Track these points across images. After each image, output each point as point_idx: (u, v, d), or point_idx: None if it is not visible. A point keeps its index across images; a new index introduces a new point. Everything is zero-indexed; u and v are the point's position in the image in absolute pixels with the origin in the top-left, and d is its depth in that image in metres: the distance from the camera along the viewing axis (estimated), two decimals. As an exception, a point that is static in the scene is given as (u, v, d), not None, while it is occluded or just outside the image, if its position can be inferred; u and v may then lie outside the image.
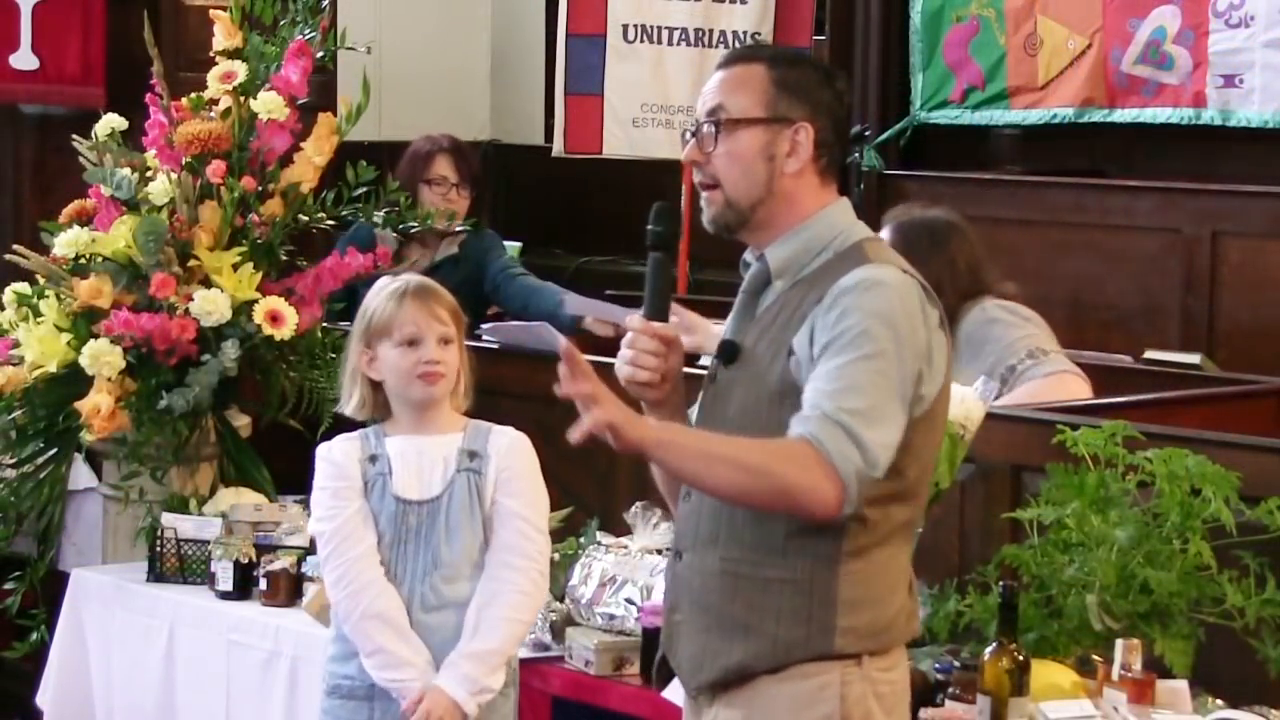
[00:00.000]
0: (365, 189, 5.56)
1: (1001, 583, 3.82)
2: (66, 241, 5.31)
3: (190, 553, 5.10)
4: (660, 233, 3.29)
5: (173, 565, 5.11)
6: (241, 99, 5.42)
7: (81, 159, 5.46)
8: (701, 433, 3.17)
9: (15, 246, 5.40)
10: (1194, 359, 6.14)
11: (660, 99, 7.27)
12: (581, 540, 4.64)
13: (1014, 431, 4.61)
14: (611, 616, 4.37)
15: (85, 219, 5.41)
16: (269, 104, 5.37)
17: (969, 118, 8.27)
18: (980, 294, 5.29)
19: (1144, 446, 4.15)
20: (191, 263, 5.28)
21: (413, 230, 5.81)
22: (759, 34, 7.04)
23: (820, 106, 3.26)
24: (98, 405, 5.14)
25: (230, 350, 5.22)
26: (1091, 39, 7.79)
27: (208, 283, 5.27)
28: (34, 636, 5.41)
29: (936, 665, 3.96)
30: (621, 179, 8.64)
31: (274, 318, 5.24)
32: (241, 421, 5.54)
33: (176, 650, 4.97)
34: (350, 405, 4.08)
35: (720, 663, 3.21)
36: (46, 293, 5.30)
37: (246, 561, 4.94)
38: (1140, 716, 3.72)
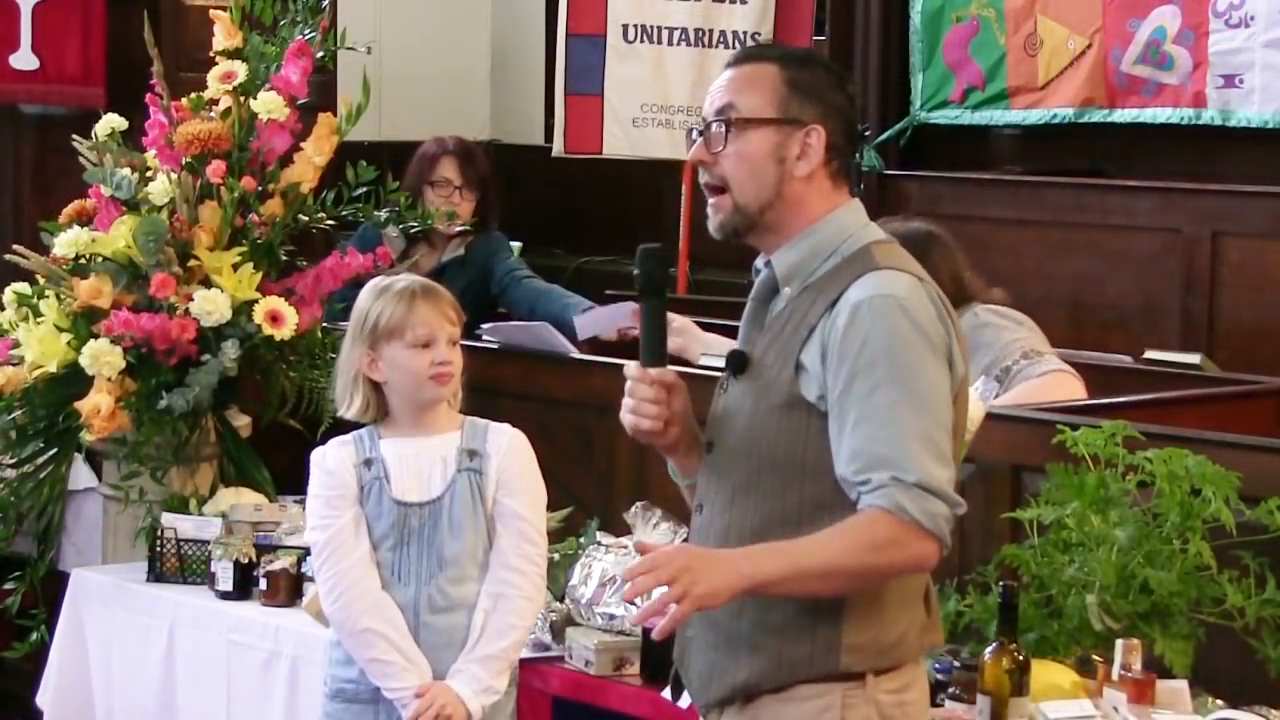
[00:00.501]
0: (365, 189, 5.56)
1: (1001, 583, 3.82)
2: (66, 241, 5.31)
3: (190, 553, 5.10)
4: (648, 276, 3.21)
5: (173, 565, 5.11)
6: (241, 99, 5.41)
7: (81, 159, 5.46)
8: (785, 549, 3.03)
9: (15, 246, 5.40)
10: (1194, 359, 6.13)
11: (660, 99, 7.27)
12: (581, 540, 4.64)
13: (1014, 431, 4.60)
14: (611, 616, 4.37)
15: (85, 219, 5.41)
16: (269, 104, 5.37)
17: (969, 118, 8.28)
18: (967, 301, 5.29)
19: (1144, 446, 4.15)
20: (191, 263, 5.28)
21: (418, 231, 5.80)
22: (759, 34, 7.04)
23: (832, 109, 3.19)
24: (98, 405, 5.14)
25: (230, 350, 5.22)
26: (1091, 39, 7.79)
27: (208, 283, 5.26)
28: (34, 636, 5.40)
29: (936, 665, 3.95)
30: (621, 179, 8.65)
31: (274, 318, 5.23)
32: (241, 421, 5.54)
33: (176, 650, 4.97)
34: (353, 409, 4.05)
35: (727, 680, 3.17)
36: (46, 293, 5.30)
37: (246, 561, 4.94)
38: (1140, 716, 3.72)
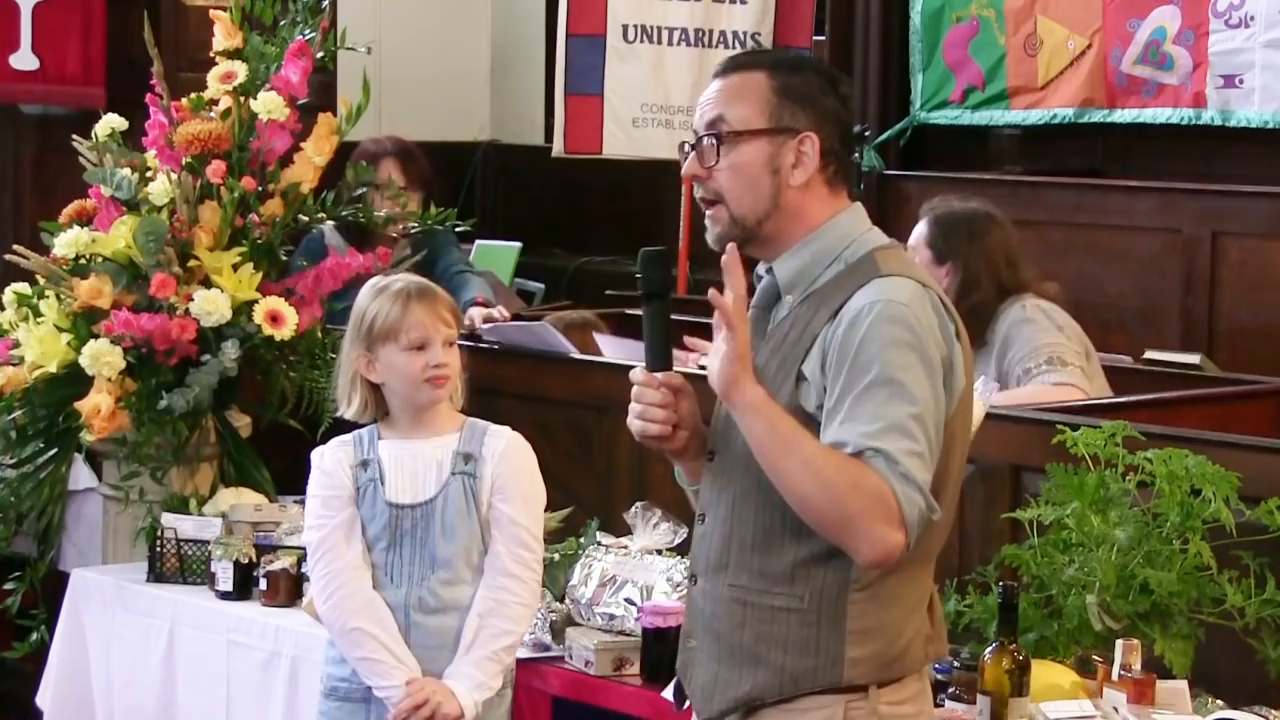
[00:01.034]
0: (365, 189, 5.56)
1: (1001, 583, 3.82)
2: (66, 241, 5.31)
3: (190, 553, 5.10)
4: (652, 280, 3.17)
5: (173, 565, 5.11)
6: (241, 99, 5.41)
7: (81, 159, 5.46)
8: (797, 425, 2.99)
9: (15, 246, 5.39)
10: (1194, 359, 6.14)
11: (660, 99, 7.27)
12: (581, 540, 4.64)
13: (1014, 431, 4.61)
14: (611, 616, 4.37)
15: (85, 219, 5.41)
16: (269, 104, 5.37)
17: (969, 118, 8.28)
18: (1020, 290, 5.31)
19: (1144, 447, 4.15)
20: (191, 263, 5.28)
21: (361, 233, 5.76)
22: (759, 34, 7.04)
23: (825, 114, 3.15)
24: (98, 405, 5.14)
25: (230, 350, 5.22)
26: (1091, 39, 7.79)
27: (208, 283, 5.26)
28: (34, 636, 5.40)
29: (936, 665, 3.95)
30: (621, 179, 8.66)
31: (274, 318, 5.23)
32: (241, 421, 5.53)
33: (176, 650, 4.97)
34: (352, 409, 4.05)
35: (730, 694, 3.15)
36: (46, 293, 5.30)
37: (246, 562, 4.93)
38: (1140, 716, 3.72)
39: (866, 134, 8.43)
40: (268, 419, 5.49)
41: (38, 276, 5.35)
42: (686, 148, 3.20)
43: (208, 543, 5.03)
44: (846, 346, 3.02)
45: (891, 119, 8.50)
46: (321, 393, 5.27)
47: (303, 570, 4.79)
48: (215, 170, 5.30)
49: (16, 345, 5.31)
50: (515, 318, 6.11)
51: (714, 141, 3.14)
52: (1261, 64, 7.31)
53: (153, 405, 5.22)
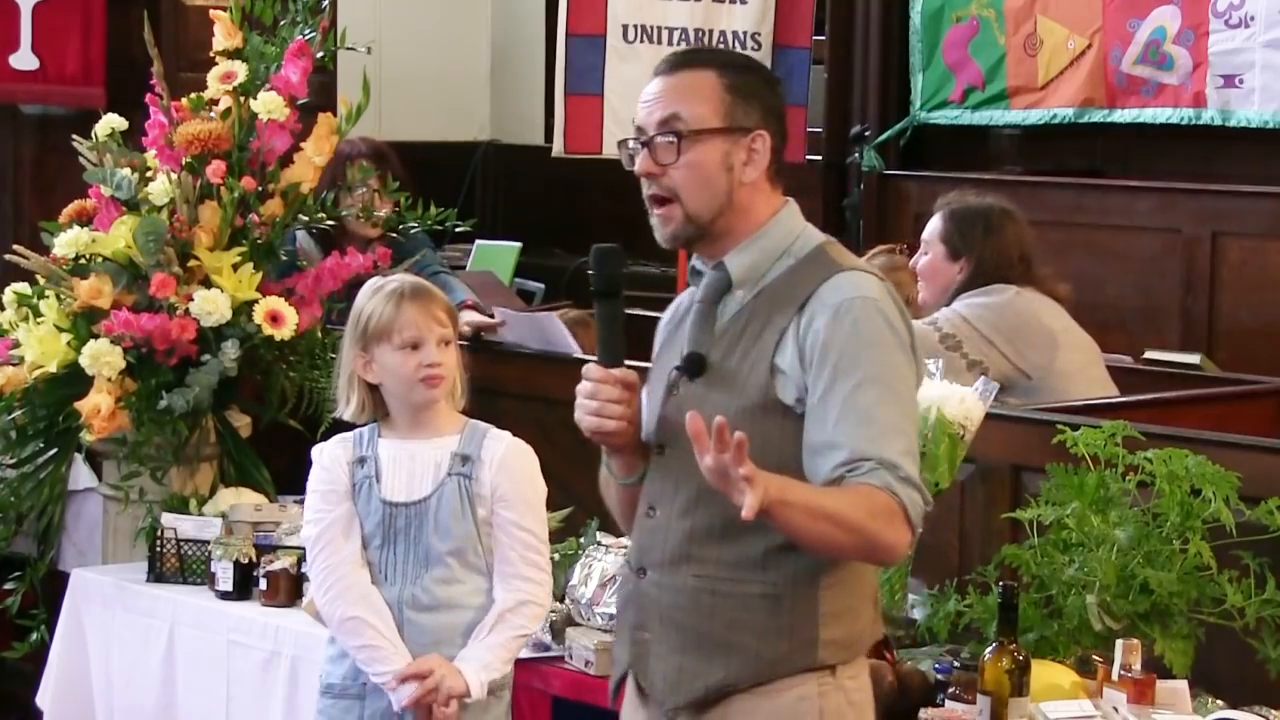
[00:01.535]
0: (364, 189, 5.56)
1: (1001, 583, 3.82)
2: (66, 241, 5.31)
3: (190, 553, 5.10)
4: (606, 277, 3.20)
5: (173, 565, 5.11)
6: (241, 99, 5.41)
7: (81, 159, 5.46)
8: (803, 486, 3.02)
9: (15, 246, 5.39)
10: (1194, 359, 6.15)
11: (660, 99, 7.25)
12: (581, 540, 4.64)
13: (1014, 431, 4.61)
14: (611, 616, 4.36)
15: (85, 219, 5.41)
16: (269, 104, 5.37)
17: (969, 118, 8.28)
18: (1031, 284, 5.33)
19: (1144, 446, 4.15)
20: (191, 263, 5.28)
21: (331, 237, 5.74)
22: (759, 34, 7.03)
23: (770, 111, 3.20)
24: (98, 405, 5.14)
25: (230, 350, 5.22)
26: (1091, 39, 7.80)
27: (208, 283, 5.26)
28: (34, 636, 5.40)
29: (936, 665, 3.95)
30: (621, 179, 8.63)
31: (274, 318, 5.23)
32: (241, 421, 5.53)
33: (176, 650, 4.97)
34: (350, 410, 4.06)
35: (701, 682, 3.17)
36: (46, 293, 5.30)
37: (246, 561, 4.93)
38: (1140, 716, 3.72)
39: (866, 134, 8.44)
40: (268, 419, 5.49)
41: (38, 276, 5.35)
42: (631, 144, 3.22)
43: (208, 543, 5.03)
44: (830, 343, 3.07)
45: (891, 119, 8.51)
46: (321, 393, 5.27)
47: (303, 570, 4.79)
48: (215, 170, 5.30)
49: (16, 345, 5.31)
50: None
51: (674, 140, 3.16)
52: (1261, 64, 7.32)
53: (153, 405, 5.22)
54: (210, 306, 5.19)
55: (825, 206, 8.62)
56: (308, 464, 4.12)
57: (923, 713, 3.83)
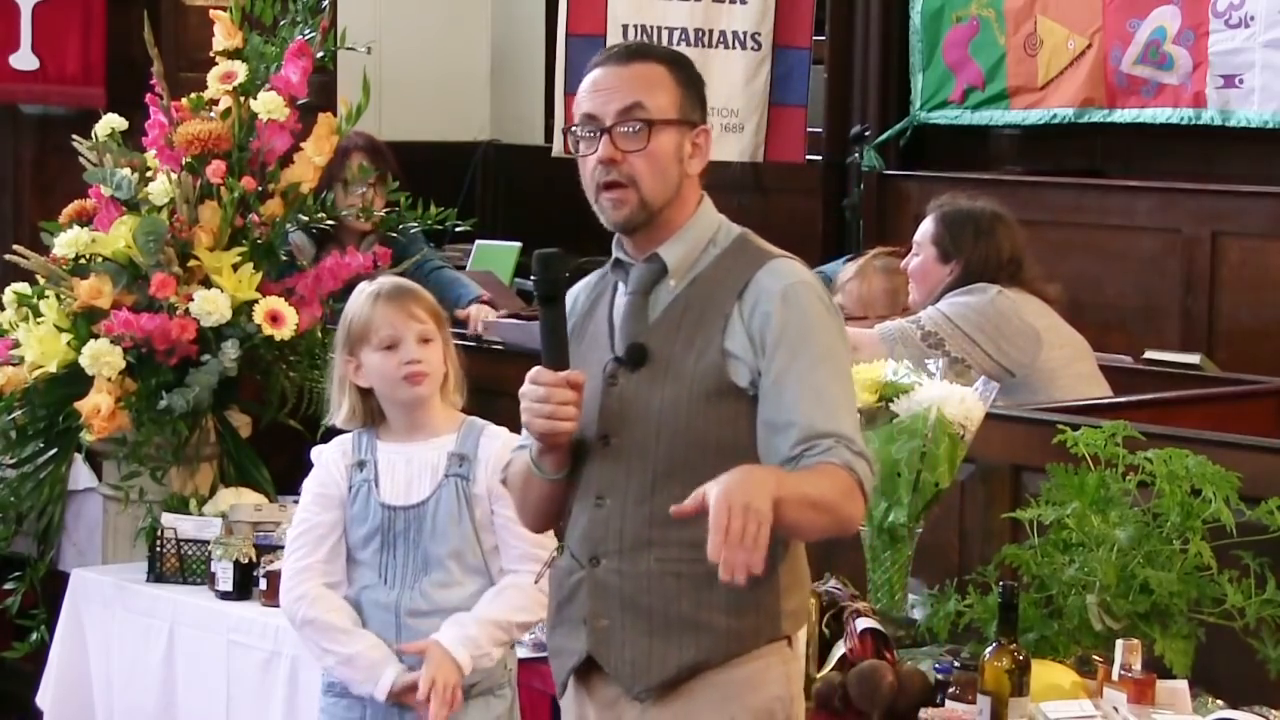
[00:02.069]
0: (363, 189, 5.56)
1: (1001, 583, 3.82)
2: (66, 241, 5.31)
3: (190, 553, 5.10)
4: (551, 281, 3.26)
5: (173, 565, 5.11)
6: (241, 99, 5.41)
7: (81, 159, 5.46)
8: (789, 474, 3.12)
9: (15, 246, 5.39)
10: (1194, 359, 6.14)
11: (660, 99, 7.25)
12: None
13: (1014, 431, 4.61)
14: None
15: (85, 219, 5.41)
16: (269, 104, 5.37)
17: (969, 118, 8.28)
18: (1019, 285, 5.34)
19: (1144, 446, 4.15)
20: (191, 263, 5.28)
21: (324, 232, 5.74)
22: (759, 34, 7.04)
23: (705, 105, 3.33)
24: (98, 405, 5.14)
25: (230, 350, 5.22)
26: (1091, 39, 7.80)
27: (208, 283, 5.26)
28: (34, 636, 5.40)
29: (936, 665, 3.95)
30: (621, 179, 8.65)
31: (274, 318, 5.23)
32: (241, 421, 5.53)
33: (176, 650, 4.97)
34: (340, 416, 4.08)
35: (673, 662, 3.23)
36: (46, 293, 5.30)
37: (246, 561, 4.93)
38: (1140, 716, 3.72)
39: (866, 134, 8.44)
40: (268, 419, 5.49)
41: (38, 276, 5.35)
42: (583, 131, 3.27)
43: (208, 543, 5.03)
44: (783, 326, 3.20)
45: (891, 119, 8.50)
46: (321, 392, 5.26)
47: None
48: (215, 170, 5.30)
49: (16, 345, 5.31)
50: (515, 318, 6.11)
51: (641, 128, 3.24)
52: (1261, 64, 7.31)
53: (153, 405, 5.22)
54: (210, 306, 5.19)
55: (825, 206, 8.62)
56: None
57: (923, 713, 3.83)
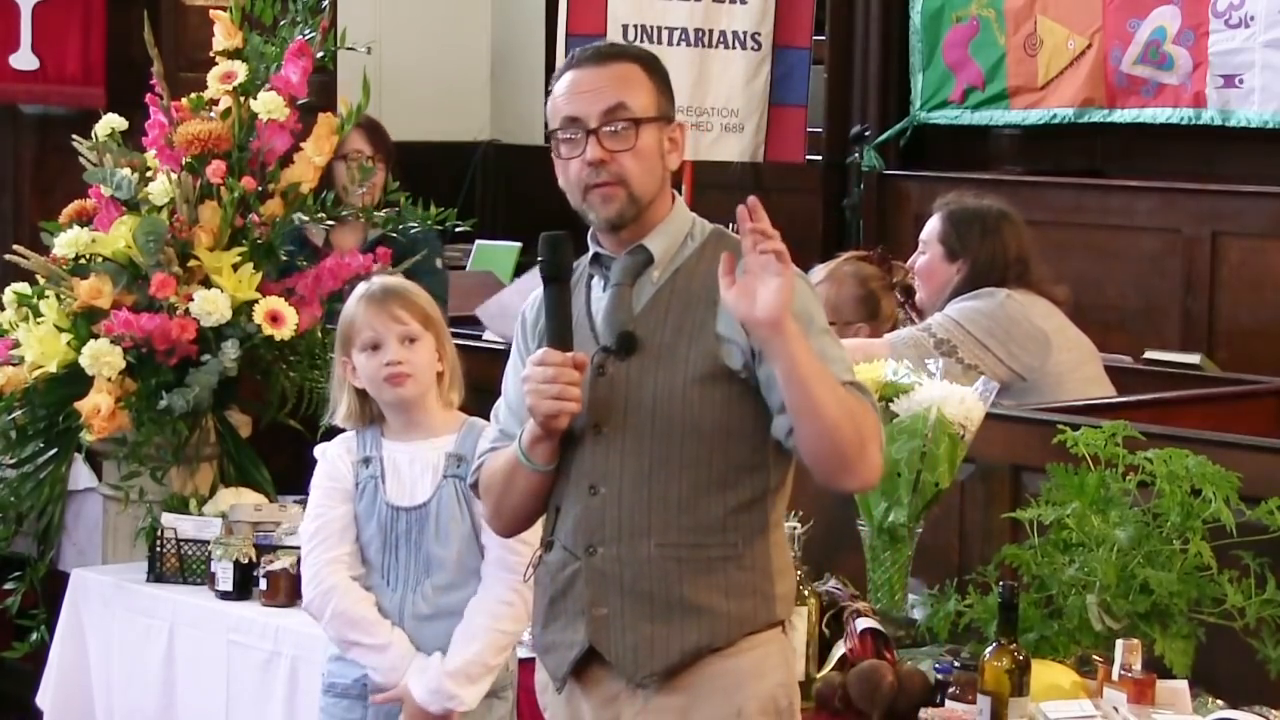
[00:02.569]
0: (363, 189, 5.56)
1: (1001, 583, 3.83)
2: (66, 241, 5.31)
3: (190, 553, 5.10)
4: (555, 263, 3.29)
5: (173, 565, 5.11)
6: (241, 99, 5.41)
7: (81, 159, 5.46)
8: (816, 354, 3.16)
9: (15, 246, 5.39)
10: (1194, 359, 6.15)
11: (660, 99, 7.25)
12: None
13: (1014, 431, 4.61)
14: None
15: (85, 219, 5.41)
16: (269, 104, 5.37)
17: (969, 118, 8.29)
18: (1027, 287, 5.34)
19: (1144, 446, 4.15)
20: (191, 263, 5.28)
21: (344, 216, 5.73)
22: (759, 34, 7.03)
23: (674, 104, 3.37)
24: (98, 405, 5.14)
25: (230, 350, 5.22)
26: (1091, 39, 7.80)
27: (208, 283, 5.26)
28: (34, 636, 5.40)
29: (936, 665, 3.95)
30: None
31: (274, 318, 5.23)
32: (241, 421, 5.53)
33: (176, 650, 4.97)
34: (339, 415, 4.10)
35: (675, 646, 3.24)
36: (46, 293, 5.30)
37: (246, 561, 4.93)
38: (1140, 716, 3.72)
39: (866, 134, 8.44)
40: (268, 419, 5.48)
41: (38, 276, 5.35)
42: (568, 134, 3.32)
43: (208, 543, 5.03)
44: None
45: (891, 119, 8.51)
46: (321, 392, 5.27)
47: (302, 569, 4.79)
48: (215, 170, 5.30)
49: (16, 345, 5.31)
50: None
51: (629, 127, 3.28)
52: (1261, 64, 7.32)
53: (153, 405, 5.22)
54: (210, 306, 5.19)
55: (825, 206, 8.63)
56: (308, 464, 4.13)
57: (923, 713, 3.83)
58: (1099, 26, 7.78)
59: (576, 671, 3.35)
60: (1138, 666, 3.78)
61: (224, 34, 5.52)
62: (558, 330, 3.25)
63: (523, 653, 4.22)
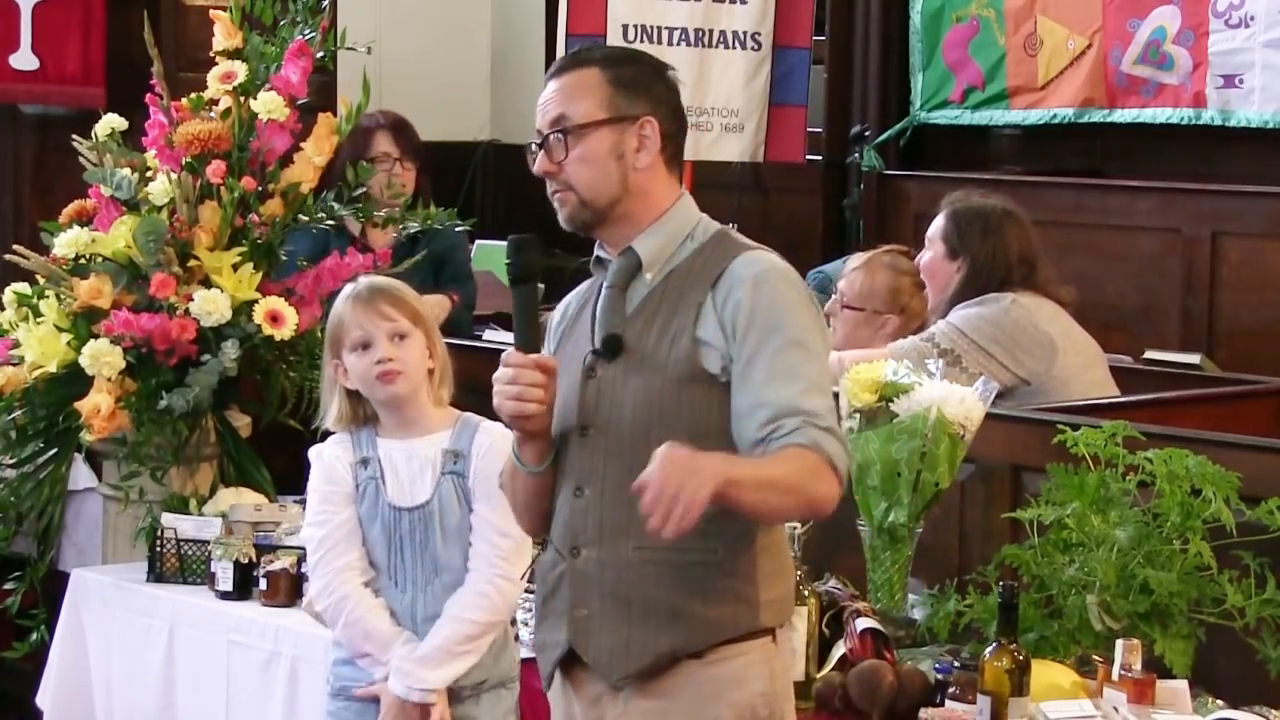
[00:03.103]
0: (364, 189, 5.55)
1: (1001, 583, 3.82)
2: (66, 241, 5.31)
3: (190, 553, 5.10)
4: (523, 265, 3.34)
5: (173, 565, 5.11)
6: (241, 99, 5.41)
7: (81, 159, 5.46)
8: (743, 461, 3.17)
9: (15, 246, 5.39)
10: (1194, 359, 6.15)
11: (660, 99, 7.24)
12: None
13: (1014, 431, 4.61)
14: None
15: (85, 219, 5.41)
16: (269, 104, 5.37)
17: (969, 118, 8.28)
18: (1033, 288, 5.32)
19: (1144, 446, 4.15)
20: (191, 263, 5.28)
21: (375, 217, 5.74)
22: (759, 34, 7.04)
23: (659, 99, 3.35)
24: (98, 405, 5.14)
25: (230, 350, 5.22)
26: (1091, 39, 7.80)
27: (208, 283, 5.26)
28: (34, 636, 5.40)
29: (936, 665, 3.95)
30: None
31: (274, 318, 5.23)
32: (241, 421, 5.53)
33: (176, 650, 4.96)
34: (330, 418, 4.09)
35: (650, 649, 3.25)
36: (46, 293, 5.30)
37: (246, 561, 4.93)
38: (1140, 716, 3.72)
39: (866, 134, 8.44)
40: (268, 419, 5.49)
41: (38, 276, 5.35)
42: (534, 148, 3.37)
43: (208, 543, 5.03)
44: (753, 311, 3.23)
45: (891, 119, 8.50)
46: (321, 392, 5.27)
47: (302, 570, 4.78)
48: (215, 170, 5.30)
49: (16, 345, 5.31)
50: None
51: (561, 138, 3.31)
52: (1261, 64, 7.32)
53: (153, 405, 5.22)
54: (210, 306, 5.19)
55: (825, 206, 8.63)
56: (308, 464, 4.12)
57: (923, 713, 3.83)
58: (1099, 26, 7.78)
59: (565, 671, 3.36)
60: (1138, 666, 3.78)
61: (224, 34, 5.52)
62: (523, 330, 3.30)
63: (523, 653, 4.23)
